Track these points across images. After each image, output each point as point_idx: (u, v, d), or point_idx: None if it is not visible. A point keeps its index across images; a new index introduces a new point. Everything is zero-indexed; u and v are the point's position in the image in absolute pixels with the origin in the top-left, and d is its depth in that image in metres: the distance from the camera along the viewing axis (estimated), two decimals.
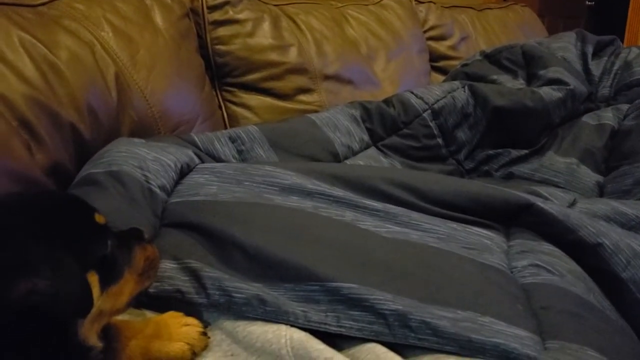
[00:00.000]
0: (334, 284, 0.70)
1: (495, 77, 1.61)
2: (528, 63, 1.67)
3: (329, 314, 0.69)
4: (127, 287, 0.65)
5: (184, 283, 0.74)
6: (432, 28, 2.20)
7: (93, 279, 0.58)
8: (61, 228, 0.58)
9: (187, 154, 1.03)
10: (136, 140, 1.02)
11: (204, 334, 0.70)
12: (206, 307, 0.73)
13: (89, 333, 0.57)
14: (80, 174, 0.94)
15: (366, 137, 1.33)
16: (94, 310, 0.57)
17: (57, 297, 0.51)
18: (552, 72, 1.57)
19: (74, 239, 0.57)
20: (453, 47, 2.24)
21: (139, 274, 0.67)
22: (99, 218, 0.64)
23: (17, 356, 0.50)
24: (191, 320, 0.70)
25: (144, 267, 0.68)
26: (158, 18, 1.28)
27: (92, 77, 1.06)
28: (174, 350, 0.67)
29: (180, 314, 0.71)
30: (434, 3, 2.26)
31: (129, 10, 1.22)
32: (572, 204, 1.15)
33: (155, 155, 0.97)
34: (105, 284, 0.60)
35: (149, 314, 0.74)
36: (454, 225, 0.92)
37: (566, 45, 1.77)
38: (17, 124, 0.91)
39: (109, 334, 0.66)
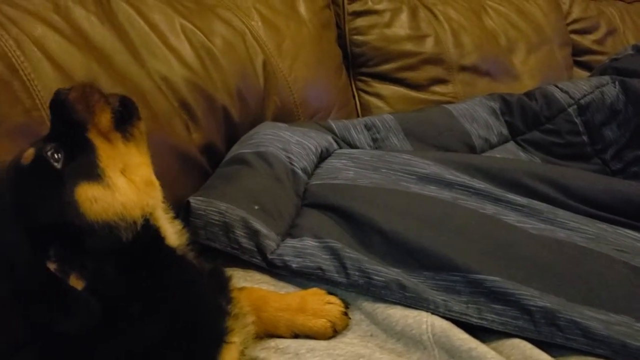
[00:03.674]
0: (478, 276, 0.70)
1: None
2: None
3: (470, 305, 0.69)
4: (103, 130, 0.61)
5: (324, 261, 0.77)
6: (576, 21, 2.08)
7: (83, 191, 0.57)
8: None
9: (326, 139, 1.06)
10: (280, 124, 1.07)
11: (345, 313, 0.72)
12: (345, 287, 0.75)
13: (139, 199, 0.60)
14: (230, 153, 1.01)
15: (505, 131, 1.29)
16: (115, 192, 0.58)
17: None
18: None
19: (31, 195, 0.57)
20: (598, 42, 2.10)
21: (93, 113, 0.62)
22: (26, 157, 0.59)
23: None
24: (334, 299, 0.73)
25: (88, 106, 0.62)
26: (302, 8, 1.32)
27: (243, 64, 1.12)
28: (317, 326, 0.70)
29: (324, 291, 0.74)
30: None
31: (276, 0, 1.27)
32: None
33: (298, 139, 1.01)
34: (92, 172, 0.58)
35: (293, 289, 0.77)
36: (603, 225, 0.87)
37: None
38: (178, 105, 0.99)
39: (256, 303, 0.71)
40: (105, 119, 0.62)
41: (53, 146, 0.59)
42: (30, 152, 0.59)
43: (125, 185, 0.59)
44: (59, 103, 0.63)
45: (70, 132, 0.61)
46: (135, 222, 0.59)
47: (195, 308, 0.61)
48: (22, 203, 0.57)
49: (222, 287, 0.67)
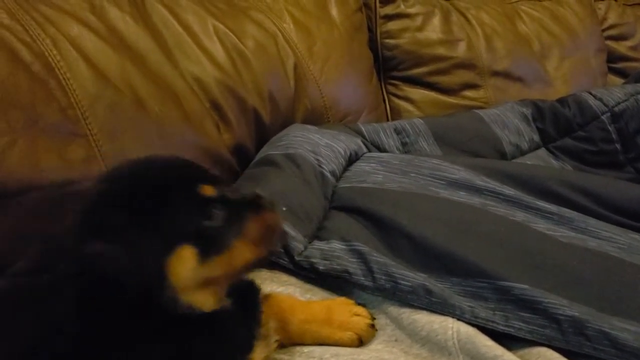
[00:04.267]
0: (505, 283, 0.69)
1: None
2: None
3: (497, 312, 0.68)
4: (239, 255, 0.62)
5: (351, 264, 0.77)
6: (611, 27, 2.05)
7: (186, 252, 0.57)
8: (155, 198, 0.57)
9: (356, 143, 1.06)
10: (310, 126, 1.07)
11: (372, 325, 0.71)
12: (372, 291, 0.75)
13: (198, 298, 0.58)
14: (259, 154, 1.02)
15: (536, 137, 1.27)
16: (194, 279, 0.58)
17: (125, 269, 0.52)
18: None
19: (166, 211, 0.57)
20: (634, 48, 2.06)
21: (253, 242, 0.64)
22: (206, 190, 0.61)
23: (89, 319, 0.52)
24: (361, 310, 0.72)
25: (259, 235, 0.64)
26: (334, 11, 1.33)
27: (274, 66, 1.13)
28: (343, 338, 0.69)
29: (352, 301, 0.73)
30: (615, 0, 2.09)
31: (308, 2, 1.28)
32: None
33: (327, 142, 1.01)
34: (206, 254, 0.58)
35: (319, 291, 0.77)
36: (636, 236, 0.85)
37: None
38: (210, 106, 1.01)
39: (282, 315, 0.70)
40: (255, 254, 0.64)
41: (225, 214, 0.60)
42: (209, 190, 0.61)
43: (204, 288, 0.59)
44: (259, 205, 0.65)
45: (237, 223, 0.62)
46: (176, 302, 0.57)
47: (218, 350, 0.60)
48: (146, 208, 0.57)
49: (253, 307, 0.67)
